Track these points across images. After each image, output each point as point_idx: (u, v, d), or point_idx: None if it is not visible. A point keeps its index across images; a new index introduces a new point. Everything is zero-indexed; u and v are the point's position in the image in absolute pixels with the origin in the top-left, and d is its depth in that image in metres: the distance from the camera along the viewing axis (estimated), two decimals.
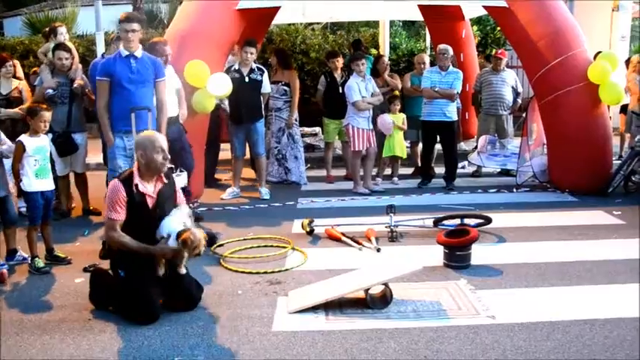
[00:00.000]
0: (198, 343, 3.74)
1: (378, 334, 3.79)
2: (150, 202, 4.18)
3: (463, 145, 10.26)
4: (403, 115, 8.15)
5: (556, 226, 6.19)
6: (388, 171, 8.54)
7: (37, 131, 5.12)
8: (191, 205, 6.80)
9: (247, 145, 7.77)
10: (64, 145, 6.55)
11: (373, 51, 12.62)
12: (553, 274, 4.82)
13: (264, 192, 7.69)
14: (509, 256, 5.26)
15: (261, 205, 7.32)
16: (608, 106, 7.67)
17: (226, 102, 7.70)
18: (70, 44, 7.12)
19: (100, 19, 9.71)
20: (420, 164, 8.86)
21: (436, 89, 7.81)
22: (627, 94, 8.74)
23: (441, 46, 8.15)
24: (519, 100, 9.07)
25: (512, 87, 8.82)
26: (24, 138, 5.07)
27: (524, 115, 8.59)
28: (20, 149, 5.01)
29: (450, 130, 7.98)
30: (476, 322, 3.95)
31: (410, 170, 8.97)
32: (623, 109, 9.56)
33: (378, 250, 5.49)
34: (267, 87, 7.74)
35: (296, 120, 8.31)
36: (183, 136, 6.43)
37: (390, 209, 6.07)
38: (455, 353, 3.54)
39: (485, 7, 8.26)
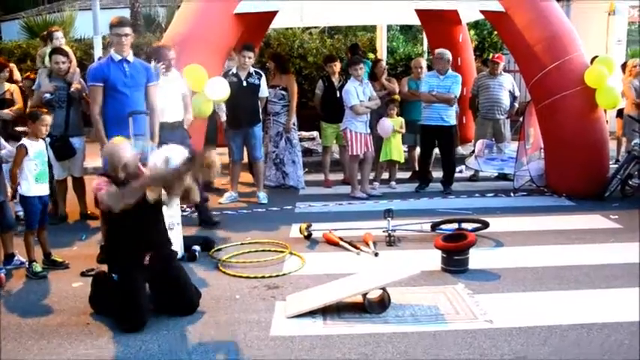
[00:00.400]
0: (195, 347, 3.74)
1: (376, 339, 3.79)
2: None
3: (460, 149, 10.27)
4: (401, 119, 8.16)
5: (553, 231, 6.20)
6: (386, 175, 8.54)
7: (38, 135, 5.13)
8: (188, 209, 6.85)
9: (245, 149, 7.77)
10: (62, 149, 6.54)
11: (371, 55, 12.66)
12: (550, 278, 4.83)
13: (262, 196, 7.69)
14: (507, 261, 5.27)
15: (259, 210, 7.32)
16: (605, 110, 7.69)
17: (223, 106, 7.70)
18: (67, 48, 7.12)
19: (98, 23, 9.71)
20: (417, 168, 8.89)
21: (433, 93, 7.83)
22: (624, 98, 8.77)
23: (438, 50, 8.18)
24: (516, 104, 9.09)
25: (510, 91, 8.84)
26: (25, 142, 5.07)
27: (521, 119, 8.61)
28: (23, 153, 5.01)
29: (448, 135, 7.98)
30: (473, 326, 3.95)
31: (407, 174, 8.98)
32: (620, 113, 9.59)
33: (376, 254, 5.49)
34: (264, 91, 7.74)
35: (294, 124, 8.31)
36: (186, 140, 6.40)
37: (388, 213, 6.07)
38: (453, 358, 3.55)
39: (482, 11, 8.27)
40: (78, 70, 6.93)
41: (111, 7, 17.20)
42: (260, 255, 5.53)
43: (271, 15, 9.09)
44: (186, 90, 6.54)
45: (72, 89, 6.58)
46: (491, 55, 10.52)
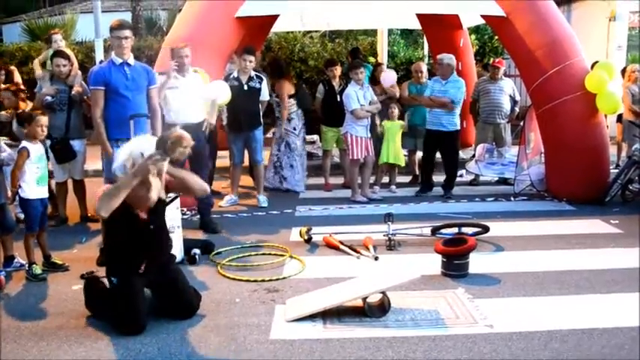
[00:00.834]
0: (195, 351, 3.73)
1: (376, 343, 3.79)
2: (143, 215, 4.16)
3: (461, 154, 10.25)
4: (402, 122, 8.16)
5: (554, 235, 6.19)
6: (386, 179, 8.54)
7: (35, 137, 5.12)
8: (188, 212, 6.86)
9: (246, 152, 7.78)
10: (63, 152, 6.55)
11: (371, 59, 12.67)
12: (551, 283, 4.82)
13: (262, 200, 7.69)
14: (507, 265, 5.26)
15: (259, 213, 7.32)
16: (605, 115, 7.69)
17: (224, 109, 7.71)
18: (69, 51, 7.14)
19: (100, 26, 9.73)
20: (417, 173, 8.91)
21: (432, 97, 7.86)
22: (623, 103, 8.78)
23: (438, 56, 8.20)
24: (517, 109, 9.09)
25: (510, 96, 8.84)
26: (27, 144, 5.07)
27: (521, 123, 8.62)
28: (25, 156, 5.01)
29: (448, 140, 7.96)
30: (474, 331, 3.95)
31: (408, 178, 8.98)
32: (620, 118, 9.60)
33: (376, 258, 5.48)
34: (265, 95, 7.75)
35: (294, 129, 8.31)
36: (200, 143, 6.36)
37: (388, 217, 6.07)
38: None
39: (483, 16, 8.29)
40: (79, 72, 6.94)
41: (112, 10, 17.25)
42: (260, 258, 5.53)
43: (272, 19, 9.12)
44: (217, 96, 6.62)
45: (73, 92, 6.59)
46: (491, 59, 10.52)
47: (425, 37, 12.50)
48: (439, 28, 10.48)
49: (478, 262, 5.15)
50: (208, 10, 7.31)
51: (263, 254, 5.65)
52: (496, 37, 12.74)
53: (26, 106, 6.73)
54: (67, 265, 5.30)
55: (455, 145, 8.18)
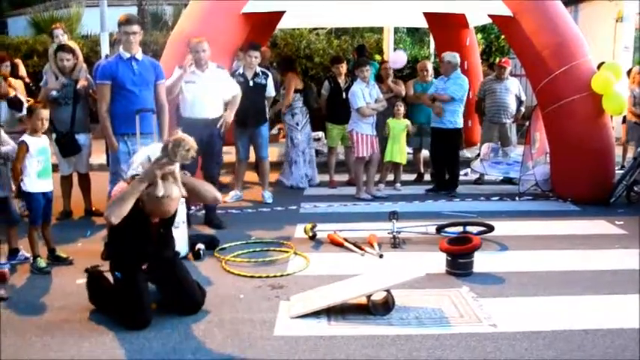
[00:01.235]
0: (199, 346, 3.73)
1: (380, 341, 3.79)
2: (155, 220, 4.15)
3: (466, 153, 10.27)
4: (407, 122, 8.15)
5: (558, 235, 6.19)
6: (390, 177, 8.53)
7: (37, 130, 5.10)
8: (193, 207, 6.85)
9: (252, 148, 7.79)
10: (68, 146, 6.55)
11: (377, 57, 12.65)
12: (555, 283, 4.81)
13: (267, 196, 7.69)
14: (512, 265, 5.26)
15: (264, 209, 7.32)
16: (611, 116, 7.67)
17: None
18: (74, 45, 7.11)
19: (105, 20, 9.74)
20: (422, 171, 8.93)
21: (434, 94, 7.89)
22: None
23: (443, 54, 8.20)
24: (522, 109, 9.06)
25: (516, 95, 8.82)
26: (27, 138, 5.06)
27: (527, 123, 8.59)
28: (24, 150, 5.01)
29: (449, 138, 7.95)
30: (478, 330, 3.95)
31: (413, 176, 8.97)
32: (625, 119, 9.58)
33: (381, 256, 5.48)
34: (271, 91, 7.75)
35: (297, 124, 8.31)
36: (214, 139, 6.40)
37: (393, 215, 6.06)
38: None
39: (490, 15, 8.27)
40: (85, 66, 6.92)
41: (118, 5, 17.19)
42: (265, 254, 5.54)
43: (278, 15, 9.09)
44: (237, 92, 6.65)
45: (78, 86, 6.58)
46: (498, 59, 10.50)
47: (431, 36, 12.48)
48: (445, 27, 10.46)
49: (483, 261, 5.14)
50: (214, 6, 7.29)
51: (267, 250, 5.66)
52: (502, 37, 12.71)
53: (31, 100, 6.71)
54: (72, 259, 5.31)
55: (455, 143, 8.13)
